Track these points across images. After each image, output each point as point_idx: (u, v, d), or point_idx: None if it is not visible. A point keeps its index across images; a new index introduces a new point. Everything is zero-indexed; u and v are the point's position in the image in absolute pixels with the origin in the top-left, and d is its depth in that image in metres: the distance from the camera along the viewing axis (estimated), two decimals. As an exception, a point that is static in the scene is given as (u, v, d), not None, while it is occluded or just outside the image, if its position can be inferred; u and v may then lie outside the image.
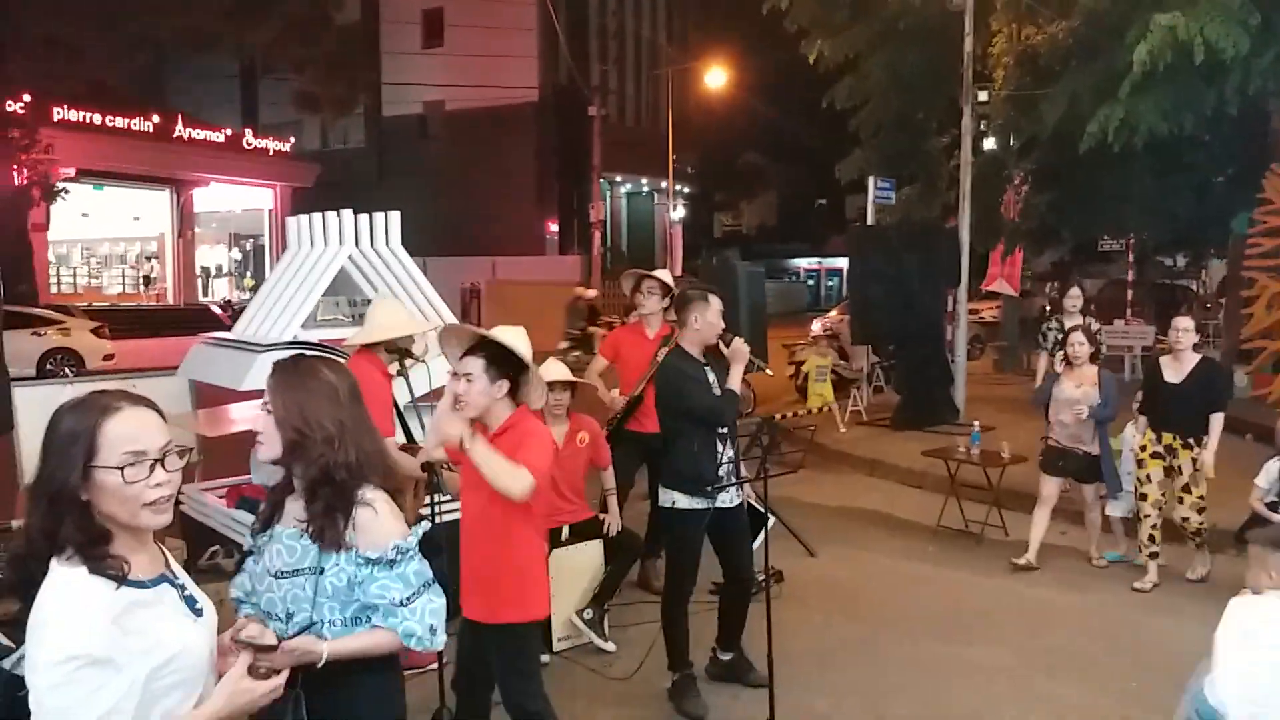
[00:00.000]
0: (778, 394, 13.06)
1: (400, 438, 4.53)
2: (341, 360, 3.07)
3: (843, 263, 34.87)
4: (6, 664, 1.87)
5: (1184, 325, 5.95)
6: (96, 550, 1.75)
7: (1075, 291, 8.20)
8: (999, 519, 7.05)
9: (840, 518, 7.77)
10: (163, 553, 1.94)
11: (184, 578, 1.97)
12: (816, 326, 16.20)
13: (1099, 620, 5.43)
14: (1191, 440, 5.82)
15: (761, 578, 4.66)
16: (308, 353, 2.48)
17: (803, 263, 49.72)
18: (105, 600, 1.72)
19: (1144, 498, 6.01)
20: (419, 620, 2.23)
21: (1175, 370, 5.92)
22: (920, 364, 11.14)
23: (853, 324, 11.86)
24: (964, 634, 5.22)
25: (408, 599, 2.22)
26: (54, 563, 1.75)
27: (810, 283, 49.61)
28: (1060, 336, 7.48)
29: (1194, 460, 5.82)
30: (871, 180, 13.71)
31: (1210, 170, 11.70)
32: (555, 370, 5.13)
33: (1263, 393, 9.16)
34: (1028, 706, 4.39)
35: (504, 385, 3.22)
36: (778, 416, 10.81)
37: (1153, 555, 5.96)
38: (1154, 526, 5.96)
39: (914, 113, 13.34)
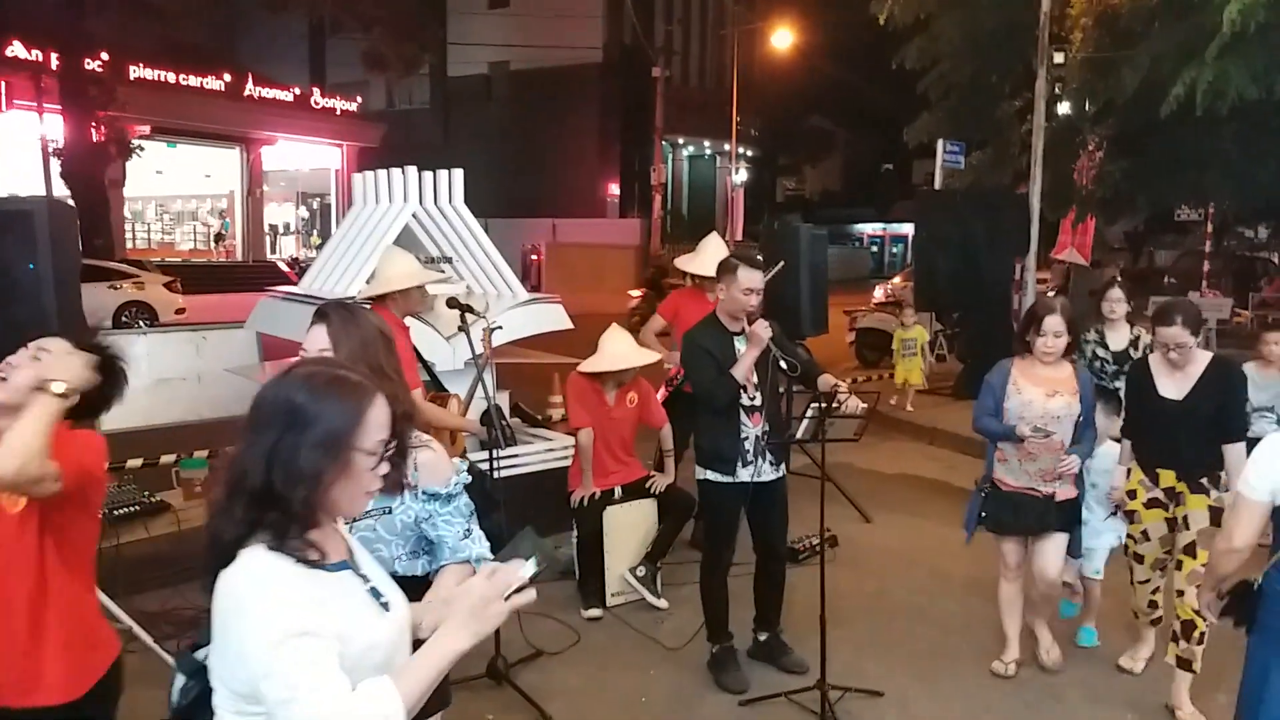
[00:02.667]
0: (837, 359, 12.94)
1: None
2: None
3: (908, 229, 34.26)
4: (200, 655, 1.71)
5: (1171, 337, 3.85)
6: (295, 531, 1.59)
7: (1115, 294, 5.67)
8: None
9: (898, 485, 7.70)
10: (345, 542, 1.79)
11: (368, 568, 1.79)
12: (879, 293, 15.98)
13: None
14: (1205, 482, 3.97)
15: (816, 541, 4.65)
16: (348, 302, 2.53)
17: (867, 228, 49.00)
18: (300, 578, 1.57)
19: (1139, 559, 4.22)
20: (480, 546, 2.39)
21: (1175, 379, 3.97)
22: (985, 333, 10.93)
23: (916, 291, 11.66)
24: (1021, 605, 5.16)
25: (468, 531, 2.38)
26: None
27: (874, 249, 48.90)
28: (1099, 353, 5.62)
29: (1212, 509, 3.93)
30: (941, 144, 13.41)
31: (1299, 138, 11.21)
32: (620, 355, 5.15)
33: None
34: (1087, 677, 4.33)
35: None
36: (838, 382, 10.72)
37: (1155, 621, 4.37)
38: (1155, 592, 4.28)
39: (986, 75, 12.95)
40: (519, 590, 1.60)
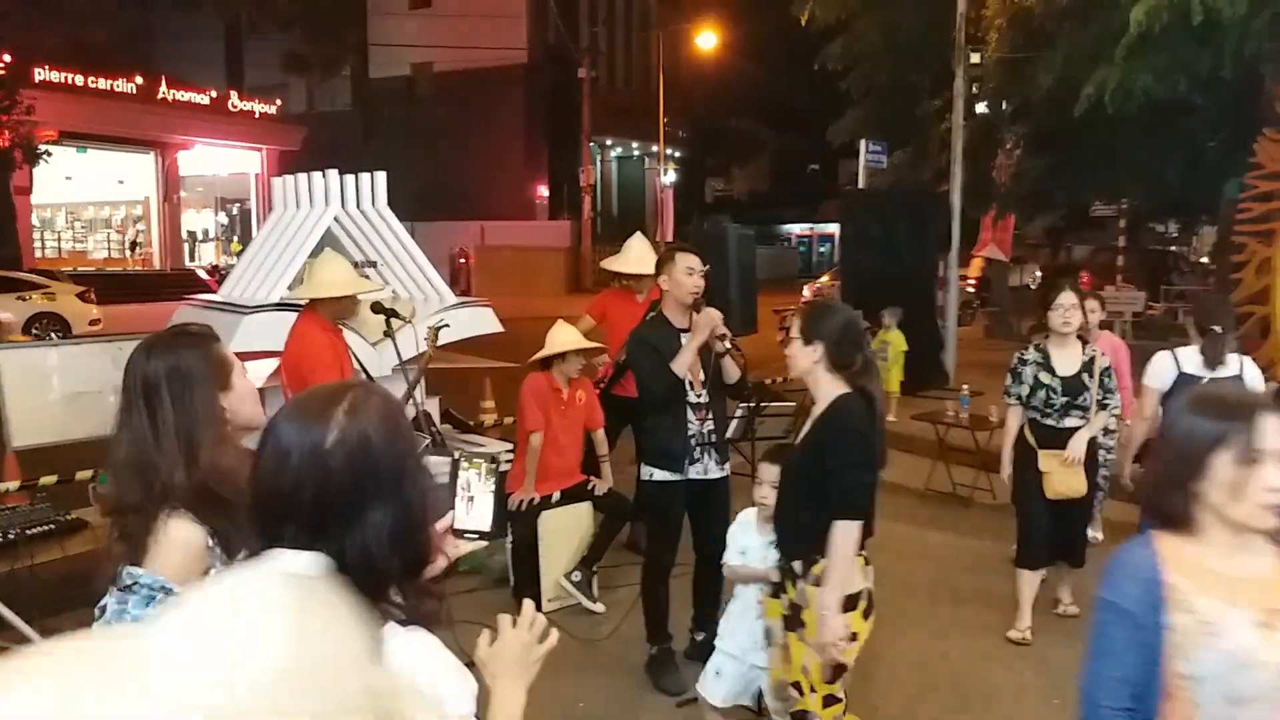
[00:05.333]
0: (768, 358, 13.04)
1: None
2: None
3: (835, 229, 34.79)
4: None
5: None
6: (417, 594, 1.32)
7: (1069, 300, 4.28)
8: (987, 482, 7.09)
9: (829, 481, 7.78)
10: None
11: None
12: (807, 292, 16.19)
13: (1092, 585, 5.46)
14: (799, 567, 2.86)
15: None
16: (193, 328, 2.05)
17: (795, 229, 49.62)
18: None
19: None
20: None
21: (803, 421, 3.00)
22: (910, 329, 11.15)
23: (843, 289, 11.83)
24: (952, 594, 5.25)
25: None
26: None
27: (802, 249, 49.57)
28: (1043, 379, 4.32)
29: (788, 614, 2.94)
30: (864, 143, 13.66)
31: (1202, 135, 11.66)
32: (569, 340, 5.10)
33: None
34: (1016, 666, 4.42)
35: None
36: (767, 381, 10.81)
37: None
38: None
39: (906, 75, 13.24)
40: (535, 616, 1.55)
